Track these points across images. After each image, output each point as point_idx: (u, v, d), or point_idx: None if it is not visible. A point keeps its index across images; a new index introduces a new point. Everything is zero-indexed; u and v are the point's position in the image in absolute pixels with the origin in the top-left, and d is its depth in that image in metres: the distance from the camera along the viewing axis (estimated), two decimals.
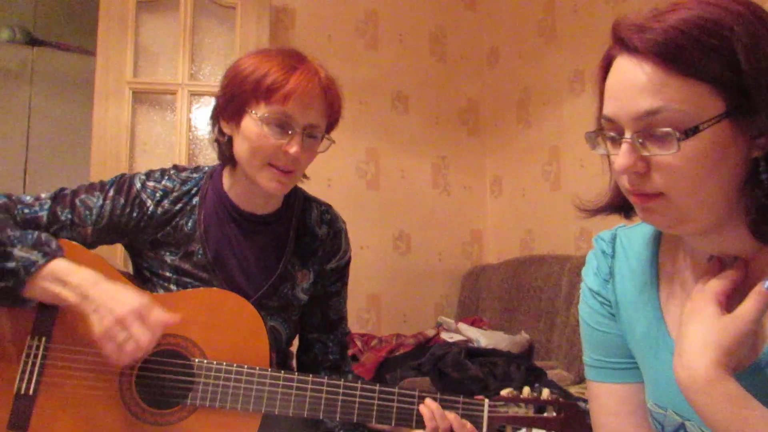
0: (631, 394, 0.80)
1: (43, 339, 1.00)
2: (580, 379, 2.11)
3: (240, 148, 1.08)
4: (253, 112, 1.04)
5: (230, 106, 1.07)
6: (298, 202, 1.22)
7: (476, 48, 3.40)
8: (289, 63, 1.05)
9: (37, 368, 0.98)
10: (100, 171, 2.38)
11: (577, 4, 2.77)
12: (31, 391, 0.98)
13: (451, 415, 0.99)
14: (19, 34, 3.29)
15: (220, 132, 1.12)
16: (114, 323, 0.91)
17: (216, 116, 1.12)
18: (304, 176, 1.19)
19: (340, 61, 2.97)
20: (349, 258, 1.28)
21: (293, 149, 1.03)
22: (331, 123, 1.14)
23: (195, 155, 2.57)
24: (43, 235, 0.99)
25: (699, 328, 0.64)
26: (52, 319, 1.00)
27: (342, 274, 1.26)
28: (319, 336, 1.25)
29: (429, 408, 0.99)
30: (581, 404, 0.98)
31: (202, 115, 2.58)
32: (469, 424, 0.99)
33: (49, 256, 0.96)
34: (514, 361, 2.09)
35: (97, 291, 0.94)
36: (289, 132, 1.04)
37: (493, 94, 3.33)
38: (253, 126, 1.04)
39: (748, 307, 0.63)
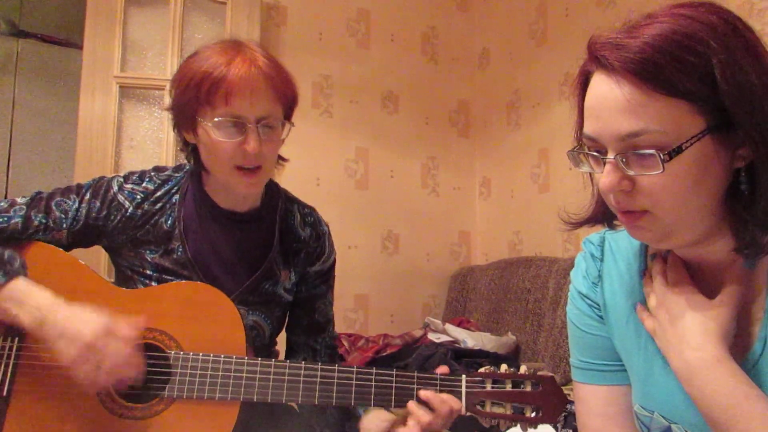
0: (617, 396, 0.80)
1: (16, 339, 0.98)
2: (566, 381, 2.12)
3: (204, 157, 1.08)
4: (203, 120, 1.02)
5: (182, 117, 1.06)
6: (282, 202, 1.21)
7: (468, 49, 3.41)
8: (225, 59, 1.01)
9: (10, 369, 0.96)
10: (85, 166, 2.36)
11: (569, 8, 2.78)
12: (5, 392, 0.96)
13: (449, 398, 0.98)
14: (5, 26, 3.24)
15: (185, 142, 1.11)
16: (84, 347, 0.89)
17: (176, 127, 1.11)
18: (283, 159, 1.17)
19: (330, 60, 2.96)
20: (334, 261, 1.27)
21: (250, 147, 1.01)
22: (288, 106, 1.10)
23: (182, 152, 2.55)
24: (7, 253, 0.97)
25: (696, 315, 0.66)
26: None
27: (326, 277, 1.25)
28: (306, 339, 1.24)
29: (426, 397, 0.97)
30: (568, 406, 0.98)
31: None
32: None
33: (9, 275, 0.94)
34: (500, 362, 2.09)
35: (57, 314, 0.91)
36: (243, 130, 1.01)
37: (483, 95, 3.34)
38: (206, 135, 1.03)
39: (730, 291, 0.66)
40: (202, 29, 2.64)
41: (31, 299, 0.93)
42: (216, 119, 1.00)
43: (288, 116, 1.10)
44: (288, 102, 1.09)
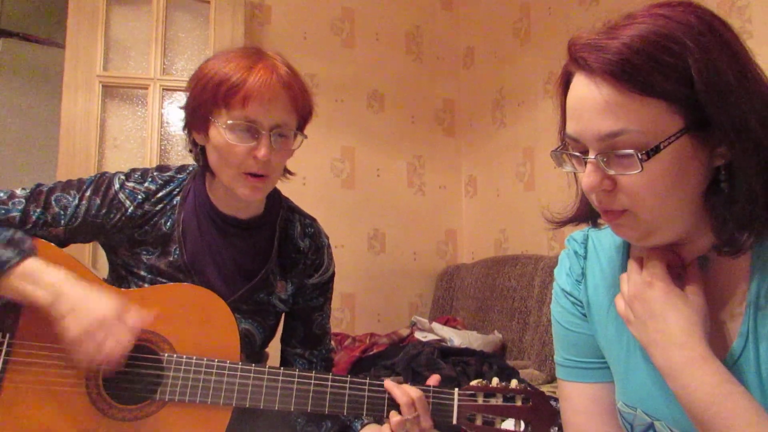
0: (601, 393, 0.81)
1: (7, 335, 0.97)
2: (552, 379, 2.14)
3: (212, 158, 1.07)
4: (217, 121, 1.02)
5: (196, 116, 1.05)
6: (283, 211, 1.20)
7: (452, 48, 3.42)
8: (246, 63, 1.01)
9: (0, 365, 0.95)
10: (68, 165, 2.33)
11: (552, 6, 2.80)
12: None
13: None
14: None
15: (194, 143, 1.10)
16: (93, 324, 0.90)
17: (187, 127, 1.10)
18: (289, 173, 1.18)
19: (315, 59, 2.95)
20: (333, 273, 1.26)
21: (261, 153, 1.00)
22: (303, 117, 1.10)
23: (167, 151, 2.53)
24: (18, 234, 0.98)
25: (681, 311, 0.66)
26: (16, 314, 0.98)
27: (324, 289, 1.25)
28: (302, 351, 1.24)
29: (405, 393, 0.99)
30: (552, 403, 0.99)
31: (174, 110, 2.53)
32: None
33: (24, 254, 0.95)
34: (486, 361, 2.10)
35: (71, 290, 0.92)
36: (256, 136, 1.01)
37: (468, 94, 3.35)
38: (219, 136, 1.02)
39: (696, 284, 0.68)
40: (186, 28, 2.62)
41: (45, 276, 0.94)
42: (230, 121, 1.00)
43: (301, 127, 1.11)
44: (303, 113, 1.09)
